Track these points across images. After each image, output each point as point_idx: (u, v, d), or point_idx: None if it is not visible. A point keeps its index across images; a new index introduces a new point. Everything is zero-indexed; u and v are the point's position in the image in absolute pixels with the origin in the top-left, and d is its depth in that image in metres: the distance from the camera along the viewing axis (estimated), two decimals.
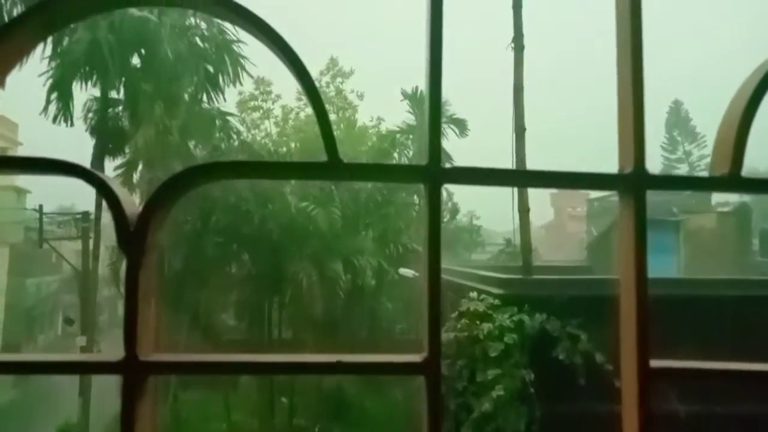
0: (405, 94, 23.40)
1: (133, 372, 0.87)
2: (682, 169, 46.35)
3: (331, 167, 0.90)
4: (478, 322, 8.06)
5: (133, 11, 14.14)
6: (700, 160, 45.48)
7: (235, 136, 17.12)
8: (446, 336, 8.36)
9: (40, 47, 14.90)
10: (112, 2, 1.04)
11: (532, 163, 10.12)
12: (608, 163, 1.14)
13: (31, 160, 0.93)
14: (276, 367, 1.19)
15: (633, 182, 0.94)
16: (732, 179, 0.93)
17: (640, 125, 0.93)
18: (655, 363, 0.92)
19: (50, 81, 15.09)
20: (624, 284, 1.01)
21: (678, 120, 46.18)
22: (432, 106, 0.91)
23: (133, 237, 0.88)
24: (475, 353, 8.04)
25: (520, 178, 1.02)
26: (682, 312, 8.34)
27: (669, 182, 0.96)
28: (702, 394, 8.28)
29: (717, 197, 37.84)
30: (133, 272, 0.88)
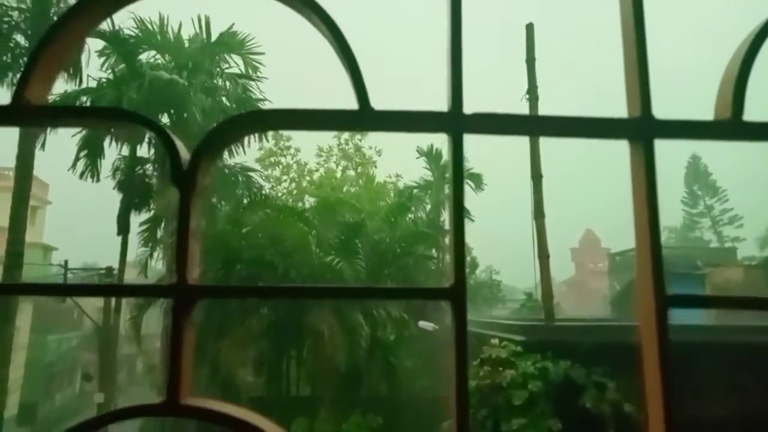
0: (421, 152, 23.91)
1: (184, 294, 0.95)
2: (705, 223, 45.84)
3: (362, 114, 1.00)
4: (500, 369, 7.91)
5: (163, 73, 14.84)
6: (723, 214, 45.02)
7: (257, 191, 17.51)
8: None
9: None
10: None
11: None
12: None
13: (98, 110, 1.04)
14: (313, 292, 1.24)
15: (641, 127, 1.02)
16: (735, 124, 1.00)
17: (645, 70, 1.02)
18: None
19: (80, 139, 15.76)
20: (639, 241, 1.06)
21: (697, 174, 46.06)
22: (453, 50, 1.01)
23: (184, 176, 0.98)
24: (498, 402, 7.85)
25: (533, 125, 1.09)
26: (711, 359, 8.13)
27: (677, 128, 1.02)
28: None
29: (744, 252, 37.17)
30: (185, 208, 0.97)
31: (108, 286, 1.29)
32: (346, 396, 16.85)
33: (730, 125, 1.01)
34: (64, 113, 1.10)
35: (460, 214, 1.04)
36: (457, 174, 1.04)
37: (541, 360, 8.01)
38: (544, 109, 10.22)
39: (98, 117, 1.08)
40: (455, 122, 1.02)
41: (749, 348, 8.35)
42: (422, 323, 16.63)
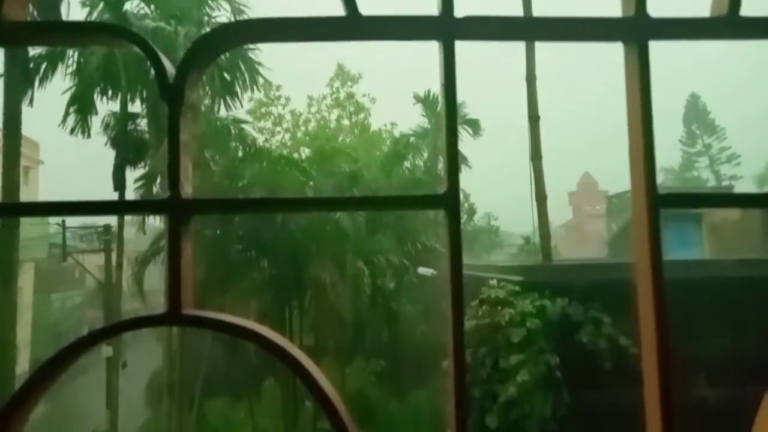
0: (418, 98, 23.53)
1: (178, 210, 0.95)
2: (703, 163, 45.78)
3: (350, 21, 0.97)
4: (499, 309, 8.05)
5: (149, 22, 14.46)
6: (721, 152, 44.87)
7: (250, 144, 17.37)
8: (467, 324, 8.36)
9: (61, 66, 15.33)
10: None
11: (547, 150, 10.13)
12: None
13: (77, 24, 1.01)
14: (307, 203, 1.25)
15: (636, 27, 1.00)
16: (731, 20, 0.98)
17: None
18: None
19: (70, 94, 15.49)
20: (632, 142, 1.06)
21: (696, 113, 45.66)
22: None
23: (172, 88, 0.96)
24: (498, 340, 8.02)
25: (527, 28, 1.07)
26: (708, 294, 8.25)
27: (673, 26, 1.00)
28: (731, 377, 8.18)
29: (739, 189, 37.29)
30: (175, 120, 0.96)
31: (103, 203, 1.28)
32: (350, 343, 17.24)
33: (727, 22, 0.99)
34: (48, 29, 1.07)
35: (453, 122, 1.03)
36: (449, 82, 1.02)
37: (539, 299, 8.15)
38: None
39: (83, 32, 1.05)
40: (446, 27, 1.00)
41: (744, 282, 8.48)
42: (421, 269, 16.83)
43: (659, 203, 1.00)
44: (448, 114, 1.02)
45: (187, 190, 0.97)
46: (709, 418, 7.68)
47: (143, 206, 0.92)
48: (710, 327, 8.29)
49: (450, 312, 0.96)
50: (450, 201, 0.97)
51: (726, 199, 1.07)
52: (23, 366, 19.93)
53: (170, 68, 0.99)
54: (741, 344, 8.08)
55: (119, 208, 1.04)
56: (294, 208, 1.65)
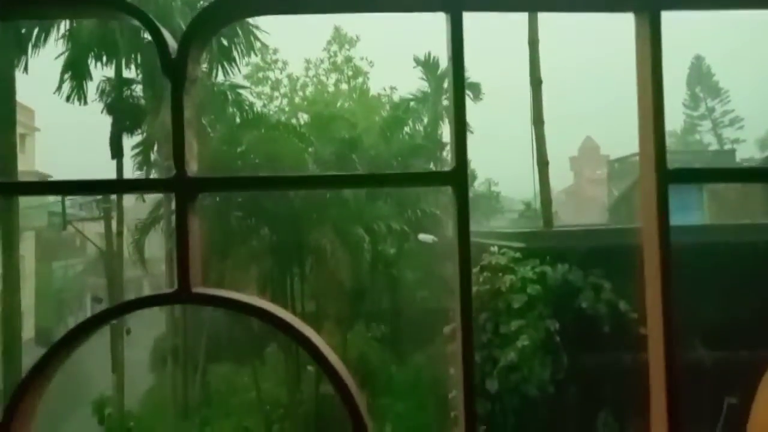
0: (418, 61, 23.18)
1: (185, 188, 0.93)
2: (705, 126, 45.40)
3: None
4: (500, 275, 8.11)
5: None
6: (724, 116, 44.42)
7: (248, 109, 17.20)
8: None
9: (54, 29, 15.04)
10: None
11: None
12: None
13: None
14: (314, 181, 1.24)
15: None
16: None
17: None
18: None
19: (64, 61, 15.26)
20: (642, 116, 1.03)
21: (700, 76, 44.94)
22: None
23: (175, 64, 0.93)
24: (498, 306, 8.11)
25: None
26: (709, 259, 8.27)
27: None
28: (727, 339, 8.29)
29: (742, 153, 37.15)
30: (178, 97, 0.94)
31: (108, 182, 1.29)
32: (350, 309, 17.41)
33: None
34: (44, 1, 1.04)
35: (461, 97, 1.01)
36: (457, 56, 1.00)
37: (539, 265, 8.20)
38: None
39: (80, 4, 1.01)
40: None
41: (747, 247, 8.50)
42: (422, 236, 16.88)
43: (668, 179, 0.98)
44: (455, 89, 0.99)
45: (193, 167, 0.95)
46: (706, 379, 7.82)
47: (149, 185, 0.91)
48: (712, 293, 8.35)
49: (458, 289, 0.95)
50: (458, 178, 0.96)
51: (736, 174, 1.05)
52: (29, 333, 20.21)
53: (172, 43, 0.96)
54: (743, 309, 8.15)
55: (125, 186, 1.03)
56: (300, 185, 1.63)
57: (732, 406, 7.76)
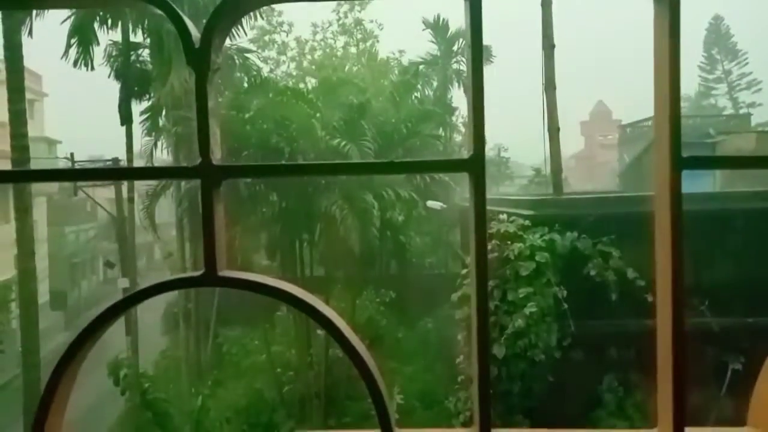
0: (427, 24, 22.79)
1: (210, 176, 0.96)
2: (721, 90, 44.39)
3: None
4: (508, 243, 8.14)
5: None
6: (741, 78, 43.31)
7: (256, 74, 17.05)
8: None
9: None
10: None
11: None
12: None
13: None
14: (333, 168, 1.27)
15: None
16: None
17: None
18: None
19: (70, 25, 15.13)
20: (658, 102, 1.04)
21: (718, 37, 43.60)
22: None
23: (198, 54, 0.95)
24: (506, 273, 8.15)
25: None
26: (719, 226, 8.26)
27: None
28: (733, 306, 8.34)
29: (757, 117, 36.39)
30: (202, 86, 0.95)
31: (134, 170, 1.32)
32: (359, 275, 17.58)
33: None
34: None
35: (479, 83, 1.02)
36: (476, 40, 1.00)
37: (548, 233, 8.21)
38: None
39: None
40: None
41: (756, 214, 8.47)
42: (430, 203, 16.89)
43: (682, 165, 0.99)
44: (474, 71, 1.00)
45: (217, 155, 0.98)
46: (712, 344, 7.90)
47: (175, 173, 0.94)
48: (723, 259, 8.35)
49: (474, 275, 0.98)
50: (475, 166, 0.97)
51: (751, 161, 1.06)
52: (43, 297, 20.60)
53: (195, 32, 0.97)
54: (751, 276, 8.17)
55: (151, 174, 1.06)
56: (323, 172, 1.65)
57: (736, 371, 7.85)
